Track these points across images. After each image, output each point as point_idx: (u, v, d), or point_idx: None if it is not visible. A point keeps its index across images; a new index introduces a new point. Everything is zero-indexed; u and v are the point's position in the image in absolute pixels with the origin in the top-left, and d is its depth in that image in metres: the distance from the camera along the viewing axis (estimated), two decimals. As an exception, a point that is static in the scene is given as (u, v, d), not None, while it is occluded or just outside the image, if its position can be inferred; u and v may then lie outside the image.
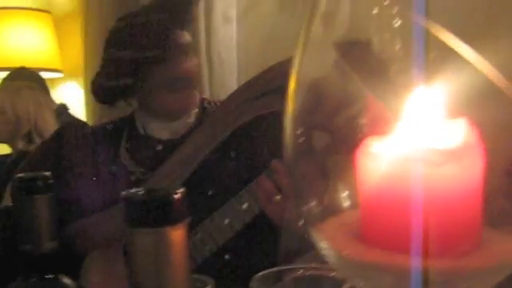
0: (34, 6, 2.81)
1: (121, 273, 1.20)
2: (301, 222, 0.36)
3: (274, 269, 0.59)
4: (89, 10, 2.34)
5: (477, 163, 0.31)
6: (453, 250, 0.31)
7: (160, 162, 1.33)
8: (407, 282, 0.32)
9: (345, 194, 0.36)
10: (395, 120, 0.33)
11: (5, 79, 2.23)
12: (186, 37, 1.36)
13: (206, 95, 1.83)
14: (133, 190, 0.34)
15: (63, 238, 1.23)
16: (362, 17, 0.37)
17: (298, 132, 0.36)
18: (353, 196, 0.36)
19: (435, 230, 0.31)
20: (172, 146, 1.36)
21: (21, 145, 2.11)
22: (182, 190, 0.34)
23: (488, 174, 0.32)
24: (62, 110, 2.28)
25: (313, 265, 0.59)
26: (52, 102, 2.26)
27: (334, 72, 0.37)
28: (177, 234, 0.33)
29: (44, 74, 2.42)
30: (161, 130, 1.40)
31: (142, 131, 1.41)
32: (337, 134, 0.37)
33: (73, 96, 2.81)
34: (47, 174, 0.58)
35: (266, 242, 1.24)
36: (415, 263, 0.31)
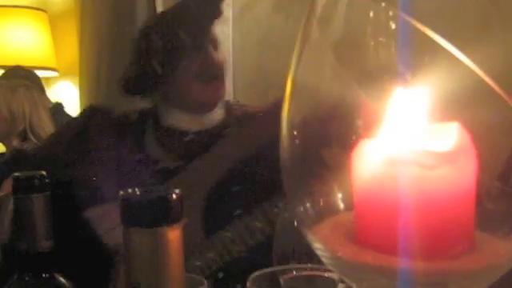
0: (30, 5, 2.81)
1: None
2: (296, 223, 0.36)
3: (270, 269, 0.59)
4: (84, 9, 2.33)
5: (469, 166, 0.32)
6: (446, 252, 0.32)
7: (189, 151, 1.35)
8: (401, 283, 0.32)
9: (340, 195, 0.37)
10: (389, 122, 0.33)
11: (0, 78, 2.22)
12: (215, 29, 1.39)
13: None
14: (130, 190, 0.34)
15: (79, 222, 1.24)
16: (357, 20, 0.38)
17: (295, 133, 0.37)
18: (347, 198, 0.36)
19: (428, 232, 0.31)
20: (200, 137, 1.37)
21: (15, 143, 2.10)
22: (177, 190, 0.34)
23: (479, 177, 0.32)
24: (57, 108, 2.28)
25: (308, 265, 0.60)
26: (47, 100, 2.26)
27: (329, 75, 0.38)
28: (173, 234, 0.34)
29: (39, 73, 2.42)
30: (187, 123, 1.40)
31: (166, 123, 1.41)
32: (331, 136, 0.37)
33: (68, 95, 2.80)
34: (43, 173, 0.58)
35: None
36: (408, 264, 0.31)
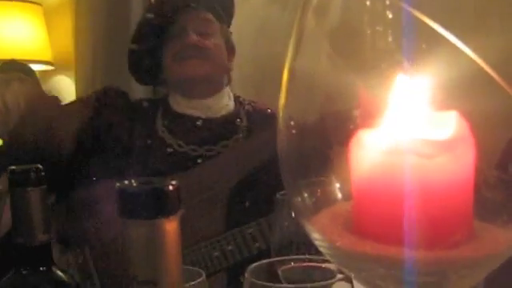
0: (25, -2, 2.79)
1: None
2: (294, 214, 0.36)
3: (267, 260, 0.59)
4: (79, 2, 2.32)
5: (468, 154, 0.32)
6: (445, 241, 0.32)
7: (201, 135, 1.38)
8: (399, 272, 0.32)
9: (337, 185, 0.37)
10: (387, 112, 0.33)
11: (-5, 71, 2.21)
12: (208, 16, 1.43)
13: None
14: (127, 182, 0.34)
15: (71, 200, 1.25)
16: (354, 9, 0.37)
17: (291, 123, 0.37)
18: (345, 188, 0.36)
19: (427, 221, 0.31)
20: (211, 122, 1.41)
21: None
22: (174, 182, 0.34)
23: (477, 165, 0.32)
24: (53, 102, 2.27)
25: (306, 256, 0.60)
26: (43, 93, 2.25)
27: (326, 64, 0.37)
28: (171, 226, 0.34)
29: (35, 67, 2.41)
30: (194, 109, 1.43)
31: (174, 110, 1.45)
32: (329, 126, 0.37)
33: (64, 88, 2.79)
34: (39, 166, 0.58)
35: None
36: (407, 254, 0.31)
